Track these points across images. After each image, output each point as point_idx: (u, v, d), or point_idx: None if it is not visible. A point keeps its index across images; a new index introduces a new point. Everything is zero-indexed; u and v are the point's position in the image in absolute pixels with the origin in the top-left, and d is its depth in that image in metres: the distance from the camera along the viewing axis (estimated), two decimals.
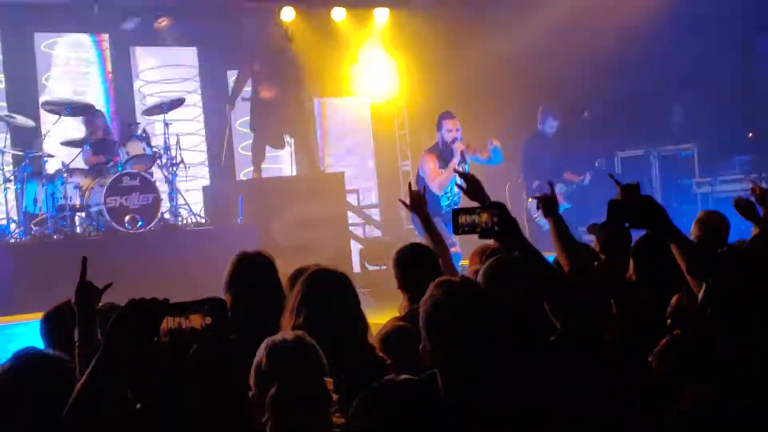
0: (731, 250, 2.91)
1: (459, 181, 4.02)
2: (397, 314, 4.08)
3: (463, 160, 8.32)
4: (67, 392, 2.13)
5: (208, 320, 2.14)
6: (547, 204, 3.86)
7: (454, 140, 8.25)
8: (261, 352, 2.62)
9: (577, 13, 11.76)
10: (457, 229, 3.09)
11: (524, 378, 2.61)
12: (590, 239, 4.84)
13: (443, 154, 8.33)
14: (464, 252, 7.70)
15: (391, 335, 3.51)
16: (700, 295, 2.60)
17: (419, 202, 4.62)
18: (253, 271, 3.86)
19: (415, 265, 4.12)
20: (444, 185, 8.20)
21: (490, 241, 3.69)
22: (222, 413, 2.63)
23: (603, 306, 3.40)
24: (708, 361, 2.54)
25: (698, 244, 4.19)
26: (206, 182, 12.29)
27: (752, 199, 5.02)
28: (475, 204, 3.44)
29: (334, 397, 2.57)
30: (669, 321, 3.26)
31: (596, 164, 11.00)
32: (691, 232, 4.66)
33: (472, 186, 3.83)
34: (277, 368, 2.56)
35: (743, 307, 2.45)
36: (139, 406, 2.83)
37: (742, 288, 2.49)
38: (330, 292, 3.28)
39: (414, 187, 4.86)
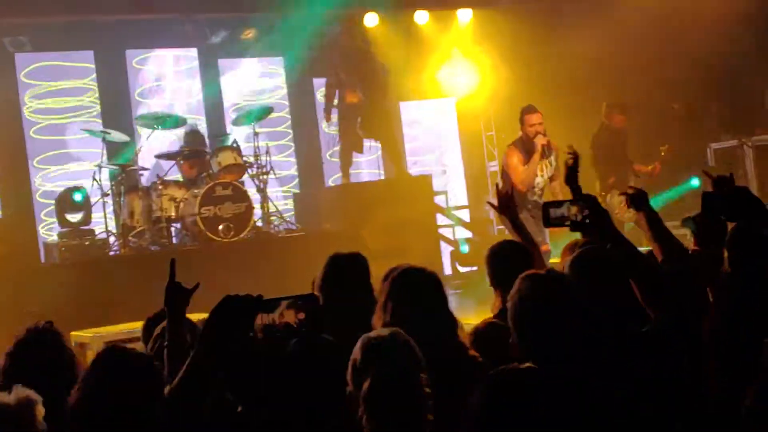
0: None
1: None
2: (490, 314, 4.08)
3: (546, 154, 8.22)
4: (151, 390, 2.15)
5: (302, 315, 2.16)
6: (637, 197, 3.84)
7: (536, 134, 8.14)
8: (357, 348, 2.60)
9: (665, 4, 11.56)
10: (547, 222, 3.11)
11: (615, 368, 2.59)
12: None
13: (526, 147, 8.23)
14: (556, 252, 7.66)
15: (483, 332, 3.50)
16: None
17: (507, 203, 4.63)
18: (346, 271, 3.90)
19: (508, 262, 4.07)
20: (527, 182, 8.10)
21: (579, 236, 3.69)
22: (322, 410, 2.65)
23: (699, 296, 3.35)
24: None
25: None
26: (296, 190, 12.46)
27: None
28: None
29: (429, 392, 2.52)
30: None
31: (662, 153, 10.67)
32: None
33: (573, 173, 3.83)
34: (372, 363, 2.53)
35: None
36: (240, 409, 2.89)
37: None
38: (418, 289, 3.28)
39: (501, 187, 4.85)
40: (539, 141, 8.13)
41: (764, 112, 12.52)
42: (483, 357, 3.17)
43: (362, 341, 2.61)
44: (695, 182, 11.41)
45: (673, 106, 12.29)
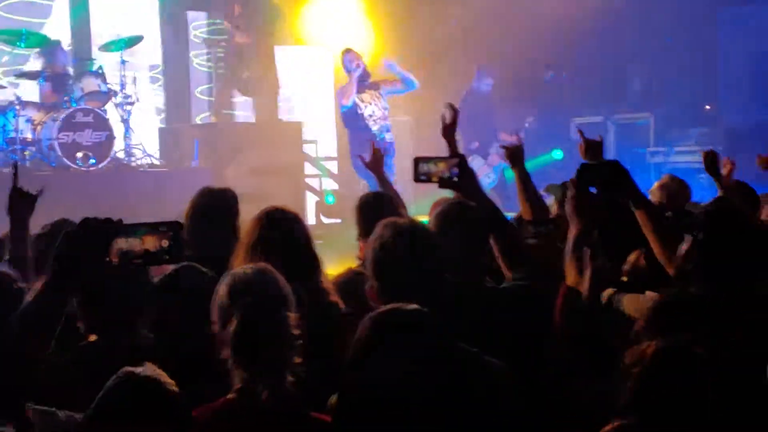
0: (715, 209, 3.01)
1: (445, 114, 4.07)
2: (352, 266, 4.06)
3: (371, 86, 9.32)
4: (9, 306, 2.06)
5: (164, 243, 2.07)
6: (515, 154, 3.93)
7: (357, 66, 9.25)
8: (222, 286, 2.49)
9: None
10: (417, 177, 3.12)
11: (470, 318, 2.61)
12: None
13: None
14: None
15: (346, 282, 3.46)
16: (682, 251, 2.67)
17: (377, 161, 4.73)
18: (217, 204, 3.81)
19: (376, 213, 4.09)
20: (350, 94, 9.15)
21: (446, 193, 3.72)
22: (184, 348, 2.57)
23: (557, 259, 3.42)
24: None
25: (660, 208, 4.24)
26: (162, 124, 12.13)
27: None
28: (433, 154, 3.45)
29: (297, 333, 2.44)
30: (626, 278, 3.30)
31: (526, 124, 10.95)
32: (651, 195, 4.70)
33: (451, 128, 3.86)
34: (239, 300, 2.42)
35: (730, 261, 2.57)
36: (89, 338, 2.79)
37: (728, 242, 2.64)
38: (285, 230, 3.22)
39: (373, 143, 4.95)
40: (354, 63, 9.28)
41: (627, 91, 12.94)
42: (345, 304, 3.15)
43: (229, 278, 2.51)
44: (558, 154, 11.72)
45: (547, 73, 12.50)
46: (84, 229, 2.03)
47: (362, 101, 9.21)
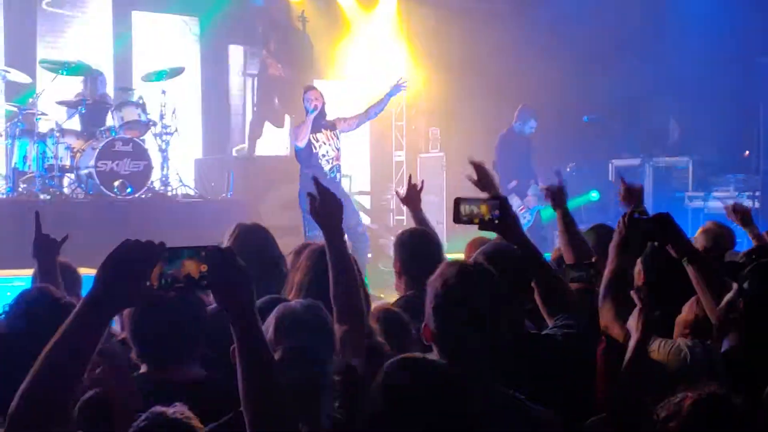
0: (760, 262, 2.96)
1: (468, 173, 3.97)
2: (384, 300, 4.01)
3: (329, 126, 9.26)
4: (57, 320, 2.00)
5: (204, 268, 2.01)
6: (557, 195, 3.87)
7: (315, 108, 9.12)
8: (271, 317, 2.43)
9: (576, 14, 11.74)
10: (458, 218, 3.06)
11: (517, 365, 2.55)
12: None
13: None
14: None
15: (386, 319, 3.41)
16: (725, 300, 2.60)
17: (413, 195, 4.62)
18: (253, 240, 3.75)
19: (418, 250, 3.99)
20: (303, 136, 9.04)
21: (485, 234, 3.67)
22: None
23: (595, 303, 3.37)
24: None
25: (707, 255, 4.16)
26: (199, 155, 12.22)
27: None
28: (476, 194, 3.40)
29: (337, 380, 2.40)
30: (687, 330, 3.22)
31: (567, 168, 10.90)
32: (695, 241, 4.62)
33: (483, 176, 3.79)
34: (284, 335, 2.37)
35: None
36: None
37: None
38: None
39: (414, 181, 4.84)
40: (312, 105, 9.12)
41: (666, 136, 12.86)
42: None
43: (277, 311, 2.45)
44: (595, 195, 11.64)
45: (583, 118, 12.48)
46: (125, 251, 1.97)
47: (317, 140, 9.20)
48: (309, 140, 9.08)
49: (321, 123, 9.18)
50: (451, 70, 13.09)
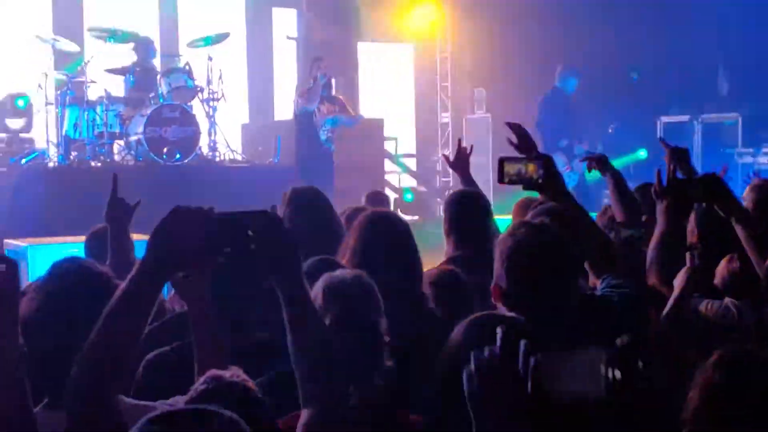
0: None
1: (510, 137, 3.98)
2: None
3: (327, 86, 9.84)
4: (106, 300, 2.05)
5: (250, 233, 2.01)
6: (601, 162, 3.91)
7: (324, 76, 9.72)
8: (318, 287, 2.48)
9: None
10: (502, 178, 3.05)
11: (574, 324, 2.56)
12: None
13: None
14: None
15: (438, 280, 3.43)
16: None
17: (464, 161, 4.64)
18: (306, 202, 3.81)
19: (467, 210, 4.02)
20: (314, 100, 9.52)
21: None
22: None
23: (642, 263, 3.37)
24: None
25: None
26: (246, 120, 12.31)
27: None
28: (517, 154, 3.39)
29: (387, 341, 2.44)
30: (720, 285, 3.23)
31: (609, 129, 10.80)
32: (744, 199, 4.59)
33: (522, 138, 3.79)
34: (332, 305, 2.43)
35: None
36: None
37: None
38: (389, 236, 3.20)
39: (463, 145, 4.85)
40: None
41: (714, 92, 12.66)
42: (437, 304, 3.14)
43: (324, 281, 2.51)
44: (643, 153, 11.53)
45: (631, 75, 12.33)
46: (176, 217, 2.00)
47: (319, 111, 9.61)
48: (314, 108, 9.50)
49: (325, 95, 9.52)
50: (495, 30, 12.98)
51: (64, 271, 2.48)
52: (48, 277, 2.49)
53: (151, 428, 1.53)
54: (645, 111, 12.28)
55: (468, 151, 4.71)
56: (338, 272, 2.59)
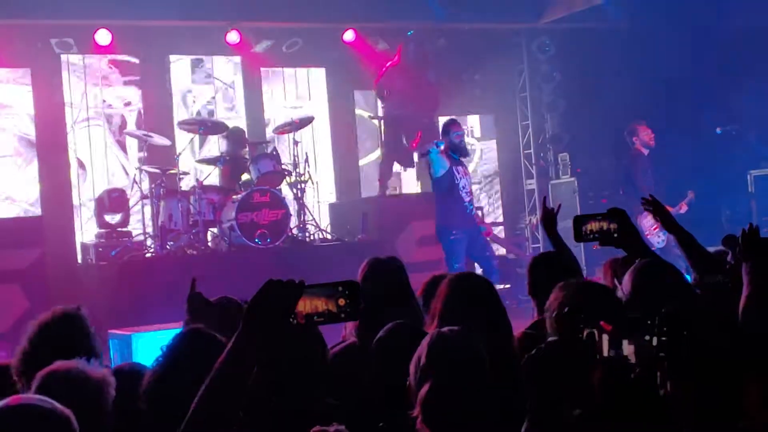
0: None
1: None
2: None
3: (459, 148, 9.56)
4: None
5: (342, 302, 2.14)
6: (666, 219, 3.88)
7: (459, 140, 9.53)
8: (423, 344, 2.49)
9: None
10: (579, 236, 3.09)
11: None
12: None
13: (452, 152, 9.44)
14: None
15: (520, 341, 3.45)
16: None
17: (550, 218, 4.68)
18: (384, 272, 3.93)
19: (549, 272, 3.99)
20: (446, 162, 9.26)
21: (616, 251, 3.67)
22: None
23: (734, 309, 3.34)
24: None
25: None
26: (333, 199, 12.54)
27: None
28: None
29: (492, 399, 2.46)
30: None
31: (689, 195, 10.53)
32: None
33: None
34: (436, 363, 2.43)
35: None
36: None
37: None
38: (479, 296, 3.25)
39: (547, 202, 4.90)
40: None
41: None
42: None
43: (431, 337, 2.52)
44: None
45: (717, 131, 12.17)
46: (270, 291, 2.11)
47: (458, 172, 9.35)
48: (451, 171, 9.27)
49: (459, 158, 9.43)
50: (573, 94, 13.03)
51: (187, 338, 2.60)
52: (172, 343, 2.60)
53: None
54: (734, 165, 12.09)
55: (555, 210, 4.74)
56: (444, 329, 2.60)
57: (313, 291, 2.15)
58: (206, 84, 12.42)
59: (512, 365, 3.03)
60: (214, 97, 12.42)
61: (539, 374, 2.48)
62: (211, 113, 12.19)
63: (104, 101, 11.79)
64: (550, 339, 2.69)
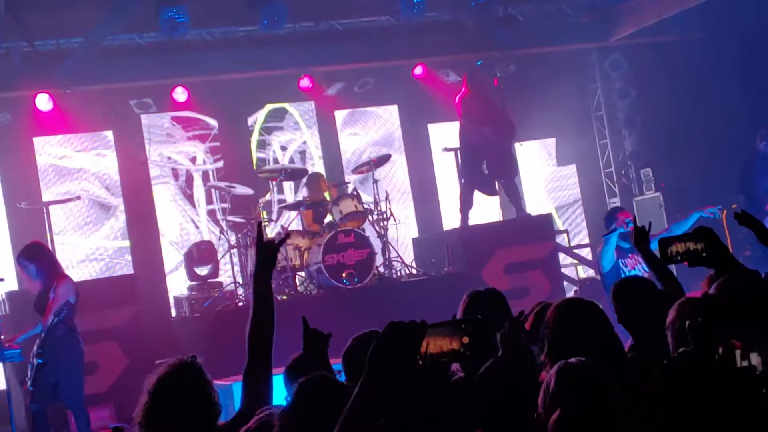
0: None
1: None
2: None
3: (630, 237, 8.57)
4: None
5: (466, 339, 2.09)
6: (639, 236, 3.80)
7: (623, 227, 8.46)
8: (552, 372, 2.52)
9: None
10: (666, 258, 3.07)
11: None
12: None
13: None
14: None
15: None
16: None
17: (643, 237, 4.62)
18: (486, 304, 3.95)
19: (635, 298, 3.94)
20: (609, 256, 8.51)
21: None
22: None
23: None
24: None
25: None
26: (416, 234, 12.56)
27: None
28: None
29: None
30: None
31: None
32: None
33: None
34: (566, 391, 2.46)
35: None
36: None
37: None
38: (586, 321, 3.25)
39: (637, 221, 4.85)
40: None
41: None
42: None
43: (559, 367, 2.54)
44: None
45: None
46: (392, 334, 2.07)
47: (625, 266, 8.53)
48: (617, 264, 8.56)
49: (628, 247, 8.48)
50: (651, 108, 12.87)
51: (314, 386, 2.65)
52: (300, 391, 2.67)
53: None
54: None
55: (647, 228, 4.67)
56: (573, 360, 2.62)
57: (437, 330, 2.10)
58: (283, 131, 12.62)
59: (627, 388, 3.01)
60: (290, 144, 12.60)
61: (674, 386, 2.48)
62: (291, 160, 12.37)
63: (169, 158, 12.09)
64: (681, 350, 2.67)
